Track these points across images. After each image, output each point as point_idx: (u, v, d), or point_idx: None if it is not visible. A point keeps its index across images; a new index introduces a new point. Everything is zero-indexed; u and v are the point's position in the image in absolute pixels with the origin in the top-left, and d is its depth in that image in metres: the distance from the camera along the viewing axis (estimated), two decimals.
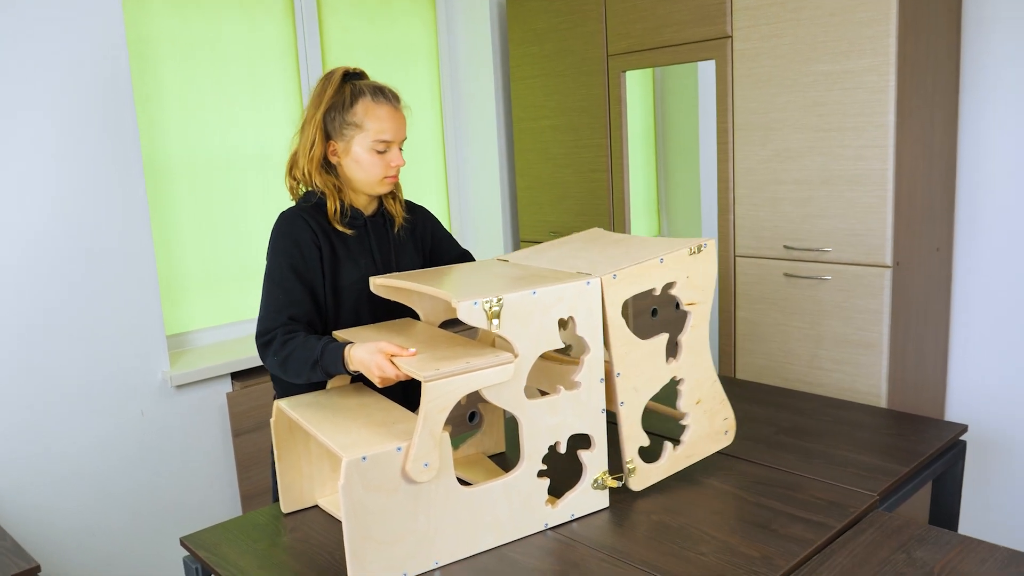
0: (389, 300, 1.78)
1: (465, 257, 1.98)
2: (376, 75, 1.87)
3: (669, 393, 1.67)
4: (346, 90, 1.72)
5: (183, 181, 2.75)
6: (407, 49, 3.39)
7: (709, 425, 1.71)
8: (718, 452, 1.80)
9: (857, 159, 2.28)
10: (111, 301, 2.44)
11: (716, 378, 1.70)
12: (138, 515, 2.54)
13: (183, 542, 1.58)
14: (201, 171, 2.78)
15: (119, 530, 2.51)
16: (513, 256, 1.82)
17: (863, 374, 2.37)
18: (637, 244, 1.72)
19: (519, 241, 3.48)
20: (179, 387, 2.58)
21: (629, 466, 1.59)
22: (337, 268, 1.73)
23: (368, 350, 1.45)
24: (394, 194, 1.86)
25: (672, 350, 1.64)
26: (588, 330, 1.51)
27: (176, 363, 2.62)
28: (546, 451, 1.50)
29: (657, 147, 3.65)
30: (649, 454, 1.63)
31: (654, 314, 3.34)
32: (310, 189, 1.77)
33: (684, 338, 1.65)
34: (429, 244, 1.94)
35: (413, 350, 1.42)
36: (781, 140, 2.46)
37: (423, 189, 3.50)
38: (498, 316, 1.38)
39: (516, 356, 1.42)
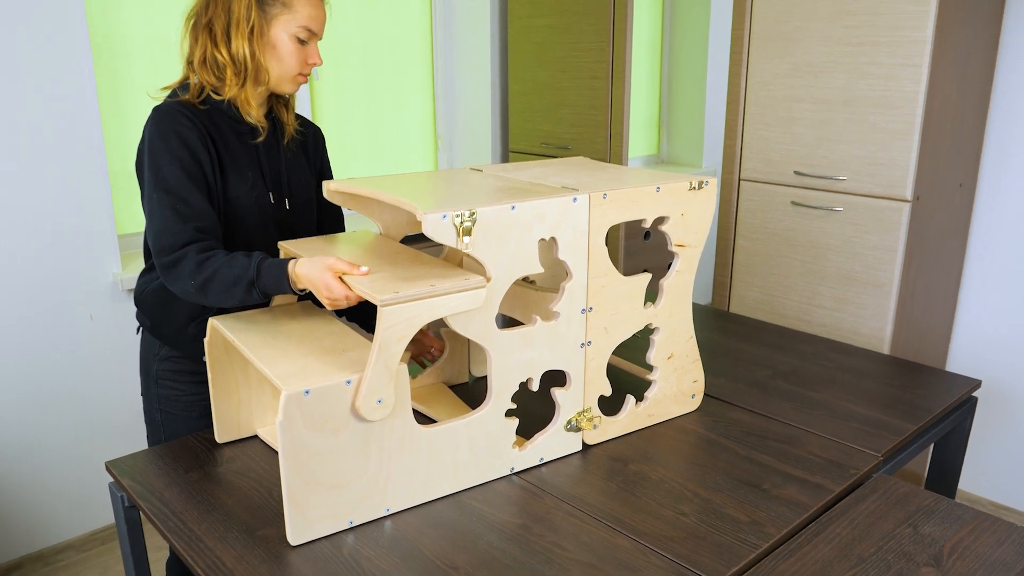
0: (289, 221, 1.57)
1: (337, 217, 1.72)
2: None
3: (640, 345, 1.49)
4: None
5: (140, 65, 2.48)
6: None
7: (677, 385, 1.53)
8: (707, 395, 1.64)
9: (887, 78, 2.05)
10: (58, 198, 2.22)
11: (693, 334, 1.52)
12: (86, 423, 2.39)
13: (108, 467, 1.41)
14: (161, 53, 2.51)
15: (64, 437, 2.36)
16: (489, 168, 1.61)
17: (868, 315, 2.20)
18: (628, 173, 1.51)
19: (508, 152, 3.25)
20: (131, 290, 2.39)
21: (587, 415, 1.42)
22: (224, 180, 1.48)
23: (316, 266, 1.26)
24: (287, 102, 1.60)
25: (652, 295, 1.46)
26: (572, 254, 1.32)
27: (129, 265, 2.42)
28: (516, 388, 1.34)
29: (663, 56, 3.39)
30: (608, 406, 1.47)
31: (647, 237, 3.14)
32: (194, 82, 1.47)
33: (667, 283, 1.46)
34: (318, 168, 1.68)
35: (365, 268, 1.23)
36: (802, 53, 2.21)
37: (407, 92, 3.24)
38: (469, 232, 1.19)
39: (488, 280, 1.24)
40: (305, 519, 1.17)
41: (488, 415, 1.31)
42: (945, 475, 1.75)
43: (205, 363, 1.53)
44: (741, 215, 2.44)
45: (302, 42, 1.48)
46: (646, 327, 1.46)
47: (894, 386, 1.70)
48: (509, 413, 1.34)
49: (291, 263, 1.30)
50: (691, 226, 1.44)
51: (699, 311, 2.21)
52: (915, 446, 1.52)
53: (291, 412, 1.11)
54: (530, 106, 3.08)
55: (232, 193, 1.48)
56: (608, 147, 2.82)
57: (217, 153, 1.46)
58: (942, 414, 1.59)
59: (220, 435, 1.45)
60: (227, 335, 1.33)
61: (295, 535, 1.17)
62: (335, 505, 1.19)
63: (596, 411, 1.43)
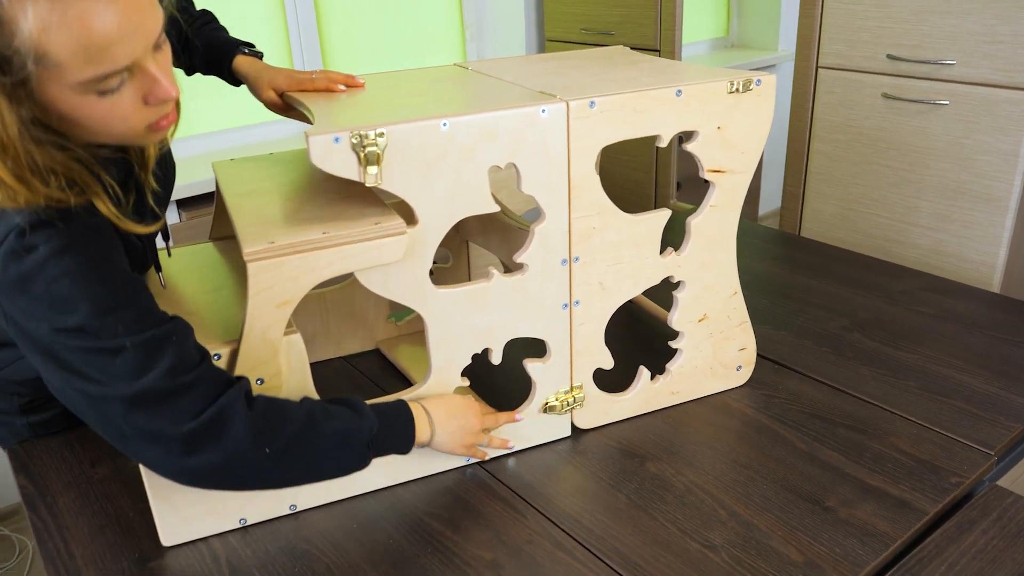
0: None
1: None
2: None
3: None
4: None
5: None
6: None
7: (714, 355, 1.16)
8: (761, 356, 1.27)
9: None
10: None
11: (738, 289, 1.14)
12: None
13: (9, 455, 1.16)
14: None
15: None
16: (478, 64, 1.23)
17: (977, 237, 1.76)
18: (660, 69, 1.11)
19: (544, 41, 2.80)
20: None
21: (576, 394, 1.08)
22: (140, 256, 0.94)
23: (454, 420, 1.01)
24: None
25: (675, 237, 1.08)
26: (543, 187, 0.96)
27: None
28: (468, 361, 1.03)
29: None
30: (611, 381, 1.12)
31: (678, 187, 2.66)
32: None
33: (696, 221, 1.07)
34: None
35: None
36: None
37: None
38: (378, 161, 0.85)
39: (416, 223, 0.91)
40: (179, 517, 0.93)
41: (428, 395, 1.01)
42: None
43: None
44: (819, 111, 1.99)
45: (111, 91, 0.73)
46: (666, 280, 1.09)
47: (1015, 343, 1.29)
48: (462, 390, 1.04)
49: (422, 409, 0.98)
50: (734, 144, 1.03)
51: (759, 235, 1.81)
52: None
53: None
54: None
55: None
56: (658, 31, 2.35)
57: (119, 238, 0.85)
58: None
59: None
60: None
61: (167, 535, 0.95)
62: (218, 500, 0.94)
63: (591, 388, 1.09)
